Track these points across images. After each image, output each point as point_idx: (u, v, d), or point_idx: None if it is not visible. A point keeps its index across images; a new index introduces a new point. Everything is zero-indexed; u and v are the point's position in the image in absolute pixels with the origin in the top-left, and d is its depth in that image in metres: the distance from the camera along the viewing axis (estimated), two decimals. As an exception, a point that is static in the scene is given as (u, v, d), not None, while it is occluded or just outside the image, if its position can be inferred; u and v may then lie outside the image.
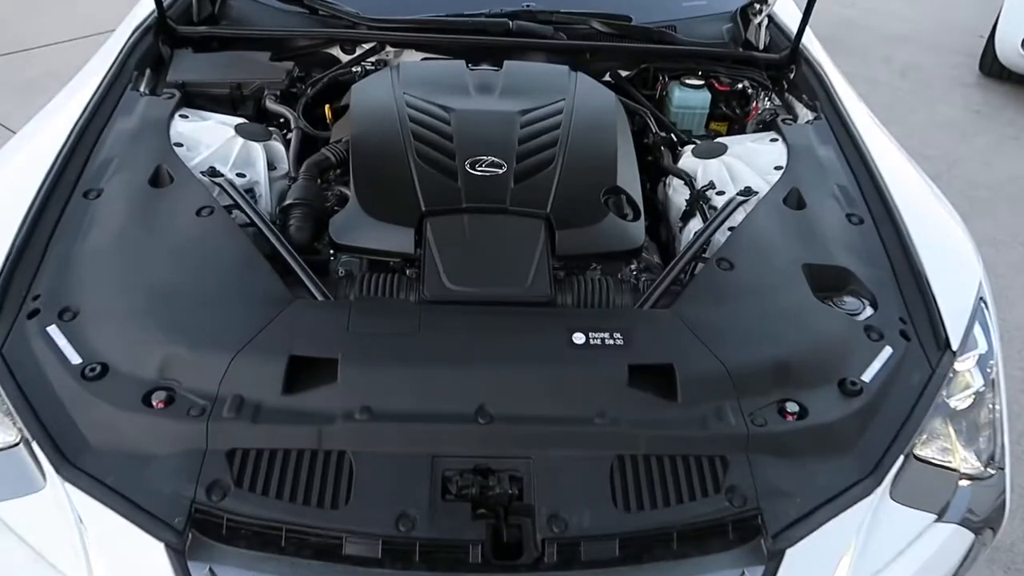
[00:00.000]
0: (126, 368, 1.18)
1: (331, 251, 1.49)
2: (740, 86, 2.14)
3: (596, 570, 1.07)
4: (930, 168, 1.92)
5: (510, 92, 1.76)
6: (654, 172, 1.92)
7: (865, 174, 1.69)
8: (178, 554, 1.03)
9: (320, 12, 2.08)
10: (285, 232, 1.48)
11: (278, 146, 1.75)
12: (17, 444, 1.14)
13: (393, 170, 1.51)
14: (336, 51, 2.15)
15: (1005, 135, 4.60)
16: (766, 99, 2.08)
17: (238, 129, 1.72)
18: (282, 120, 1.87)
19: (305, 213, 1.52)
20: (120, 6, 2.25)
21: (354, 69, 2.06)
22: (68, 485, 1.09)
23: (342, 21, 2.07)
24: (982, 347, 1.40)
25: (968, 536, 1.25)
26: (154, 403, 1.14)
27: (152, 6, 1.97)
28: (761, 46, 2.24)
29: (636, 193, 1.59)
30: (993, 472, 1.31)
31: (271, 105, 1.88)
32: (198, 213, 1.41)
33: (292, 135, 1.80)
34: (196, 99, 1.85)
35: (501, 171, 1.50)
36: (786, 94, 2.11)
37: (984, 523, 1.28)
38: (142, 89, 1.81)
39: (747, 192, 1.63)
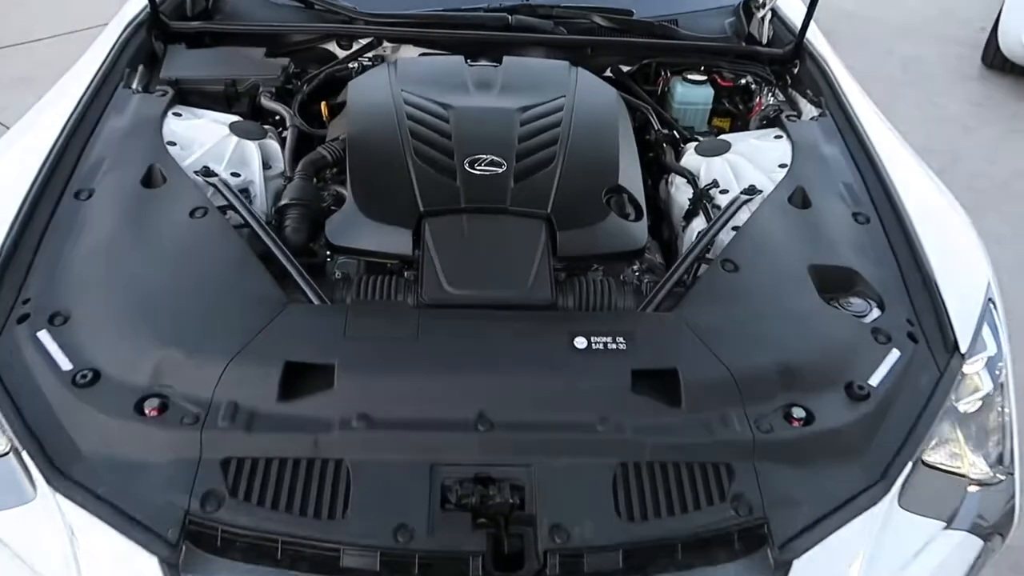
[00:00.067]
0: (118, 374, 1.16)
1: (327, 252, 1.47)
2: (743, 82, 2.10)
3: None
4: (932, 163, 1.89)
5: (509, 88, 1.73)
6: (656, 169, 1.90)
7: (871, 172, 1.66)
8: (171, 567, 1.02)
9: (316, 7, 2.04)
10: (280, 233, 1.45)
11: (273, 144, 1.71)
12: (7, 454, 1.11)
13: (390, 169, 1.48)
14: (332, 46, 2.12)
15: (1008, 129, 4.56)
16: (769, 95, 2.04)
17: (232, 127, 1.69)
18: (277, 118, 1.84)
19: (301, 214, 1.49)
20: (114, -1, 2.21)
21: (351, 65, 2.03)
22: (59, 496, 1.07)
23: (338, 16, 2.04)
24: (991, 349, 1.38)
25: (977, 543, 1.23)
26: (147, 411, 1.12)
27: (144, 1, 1.94)
28: (764, 40, 2.20)
29: (638, 192, 1.56)
30: (1002, 477, 1.29)
31: (266, 102, 1.84)
32: (191, 214, 1.39)
33: (288, 133, 1.76)
34: (190, 96, 1.82)
35: (501, 170, 1.48)
36: (790, 89, 2.08)
37: (993, 529, 1.26)
38: (134, 86, 1.77)
39: (751, 191, 1.60)
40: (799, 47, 2.05)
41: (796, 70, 2.08)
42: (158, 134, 1.59)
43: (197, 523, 1.04)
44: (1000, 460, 1.31)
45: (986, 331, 1.40)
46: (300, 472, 1.08)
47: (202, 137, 1.64)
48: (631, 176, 1.58)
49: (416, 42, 2.08)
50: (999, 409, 1.34)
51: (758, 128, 1.97)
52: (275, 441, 1.11)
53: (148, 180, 1.47)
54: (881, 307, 1.39)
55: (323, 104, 1.92)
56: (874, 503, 1.15)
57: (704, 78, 2.08)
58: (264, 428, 1.11)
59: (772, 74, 2.10)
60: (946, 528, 1.21)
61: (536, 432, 1.14)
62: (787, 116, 1.86)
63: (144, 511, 1.05)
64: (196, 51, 1.97)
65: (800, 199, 1.56)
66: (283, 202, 1.51)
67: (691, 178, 1.72)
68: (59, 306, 1.24)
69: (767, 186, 1.62)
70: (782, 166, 1.68)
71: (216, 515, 1.04)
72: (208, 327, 1.22)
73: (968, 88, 5.06)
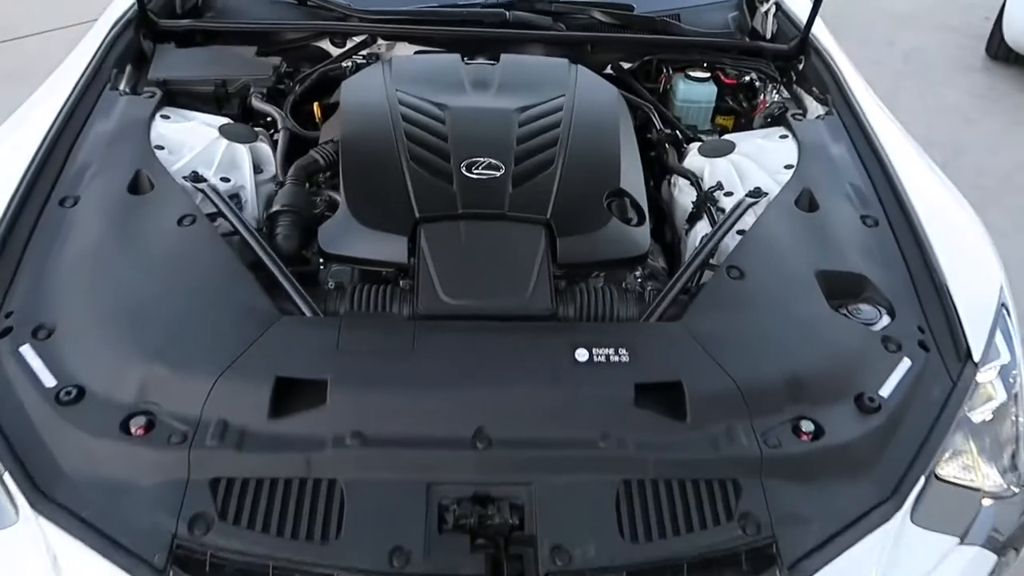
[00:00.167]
0: (103, 391, 1.12)
1: (320, 260, 1.42)
2: (747, 79, 2.06)
3: None
4: (935, 156, 1.85)
5: (507, 87, 1.69)
6: (658, 170, 1.85)
7: (879, 172, 1.62)
8: (158, 594, 0.98)
9: (309, 3, 1.99)
10: (272, 241, 1.41)
11: (264, 148, 1.67)
12: (-12, 475, 1.07)
13: (385, 174, 1.44)
14: (326, 44, 2.07)
15: (1012, 121, 4.51)
16: (774, 92, 2.00)
17: (222, 130, 1.64)
18: (269, 119, 1.79)
19: (293, 221, 1.45)
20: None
21: (344, 64, 1.98)
22: (42, 520, 1.03)
23: (332, 13, 1.99)
24: (1004, 357, 1.34)
25: (991, 558, 1.20)
26: (133, 429, 1.08)
27: (132, -2, 1.89)
28: (768, 35, 2.16)
29: (640, 195, 1.52)
30: (1016, 490, 1.25)
31: (257, 104, 1.80)
32: (179, 222, 1.34)
33: (279, 136, 1.72)
34: (179, 97, 1.78)
35: (499, 174, 1.43)
36: (795, 86, 2.03)
37: (1008, 543, 1.22)
38: (122, 88, 1.73)
39: (756, 193, 1.56)
40: (804, 42, 2.01)
41: (801, 66, 2.03)
42: (145, 138, 1.55)
43: (185, 547, 1.00)
44: (1015, 471, 1.27)
45: (999, 338, 1.36)
46: (292, 493, 1.05)
47: (191, 141, 1.60)
48: (633, 178, 1.54)
49: (411, 39, 2.04)
50: (1013, 419, 1.31)
51: (762, 126, 1.92)
52: (266, 461, 1.07)
53: (135, 187, 1.43)
54: (891, 314, 1.35)
55: (316, 105, 1.87)
56: (886, 520, 1.12)
57: (707, 75, 2.04)
58: (254, 447, 1.07)
59: (776, 70, 2.06)
60: (960, 544, 1.17)
61: (536, 449, 1.10)
62: (793, 115, 1.82)
63: (130, 535, 1.01)
64: (185, 50, 1.93)
65: (807, 202, 1.51)
66: (274, 209, 1.47)
67: (694, 180, 1.68)
68: (43, 319, 1.20)
69: (773, 188, 1.57)
70: (788, 167, 1.64)
71: (205, 539, 1.00)
72: (196, 341, 1.18)
73: (971, 79, 5.00)
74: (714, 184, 1.64)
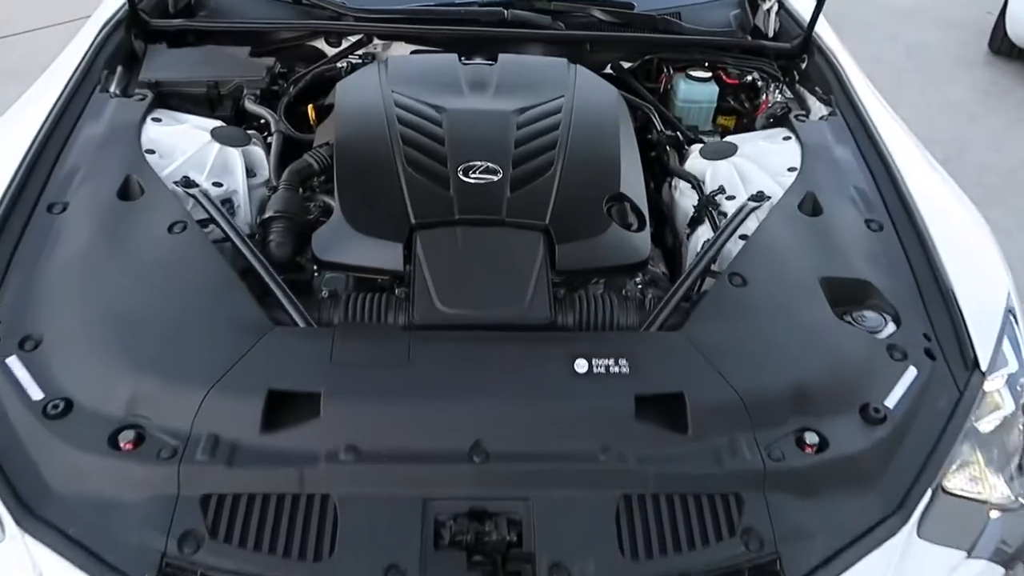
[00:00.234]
0: (92, 404, 1.10)
1: (314, 267, 1.40)
2: (749, 78, 2.02)
3: None
4: (938, 153, 1.82)
5: (505, 88, 1.66)
6: (659, 172, 1.82)
7: (884, 175, 1.59)
8: (147, 614, 0.96)
9: (304, 2, 1.96)
10: (264, 248, 1.38)
11: (258, 151, 1.64)
12: (-27, 492, 1.05)
13: (380, 178, 1.41)
14: (321, 44, 2.04)
15: (1015, 117, 4.48)
16: (776, 91, 1.97)
17: (214, 133, 1.61)
18: (262, 122, 1.76)
19: (286, 227, 1.41)
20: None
21: (339, 64, 1.95)
22: (28, 538, 1.01)
23: (327, 12, 1.96)
24: (1012, 365, 1.31)
25: (998, 572, 1.18)
26: (122, 444, 1.06)
27: (123, -2, 1.86)
28: (771, 33, 2.12)
29: (641, 199, 1.49)
30: (1024, 501, 1.23)
31: (250, 106, 1.77)
32: (170, 229, 1.32)
33: (273, 138, 1.69)
34: (170, 99, 1.74)
35: (496, 178, 1.40)
36: (797, 86, 2.00)
37: (1016, 556, 1.20)
38: (112, 89, 1.70)
39: (759, 197, 1.53)
40: (807, 41, 1.97)
41: (804, 65, 2.00)
42: (136, 142, 1.52)
43: (174, 566, 0.98)
44: (1022, 481, 1.25)
45: (1006, 345, 1.33)
46: (284, 509, 1.03)
47: (183, 144, 1.57)
48: (633, 182, 1.51)
49: (408, 39, 2.00)
50: (1020, 428, 1.28)
51: (764, 127, 1.89)
52: (258, 476, 1.05)
53: (125, 192, 1.40)
54: (896, 321, 1.32)
55: (310, 107, 1.84)
56: (892, 535, 1.09)
57: (708, 75, 2.00)
58: (246, 462, 1.05)
59: (779, 70, 2.02)
60: (967, 558, 1.15)
61: (534, 463, 1.08)
62: (796, 116, 1.79)
63: (118, 553, 0.99)
64: (177, 50, 1.89)
65: (810, 206, 1.49)
66: (267, 215, 1.44)
67: (696, 183, 1.65)
68: (30, 330, 1.18)
69: (775, 192, 1.55)
70: (791, 170, 1.61)
71: (195, 557, 0.98)
72: (187, 352, 1.15)
73: (974, 74, 4.97)
74: (716, 188, 1.61)
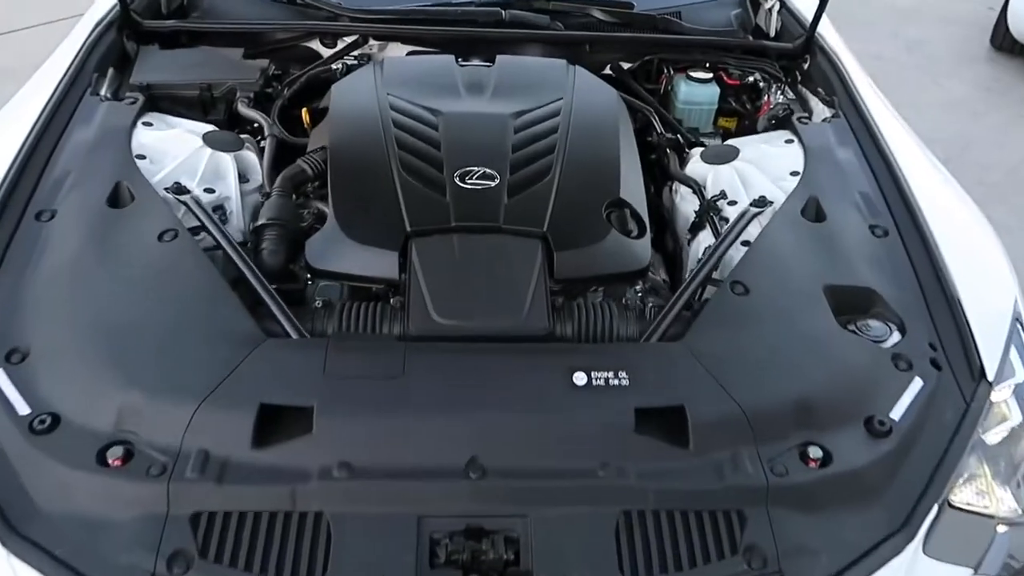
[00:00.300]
0: (79, 419, 1.07)
1: (308, 276, 1.37)
2: (751, 79, 1.99)
3: None
4: (940, 151, 1.80)
5: (503, 91, 1.63)
6: (659, 176, 1.79)
7: (888, 179, 1.56)
8: (135, 639, 0.93)
9: (298, 3, 1.93)
10: (257, 256, 1.36)
11: (251, 156, 1.61)
12: (-43, 510, 1.03)
13: (375, 184, 1.38)
14: (316, 45, 2.01)
15: (1018, 113, 4.45)
16: (778, 92, 1.94)
17: (206, 138, 1.58)
18: (256, 126, 1.73)
19: (279, 235, 1.39)
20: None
21: (334, 66, 1.92)
22: (14, 559, 0.98)
23: (322, 12, 1.93)
24: (1019, 375, 1.29)
25: (1006, 587, 1.15)
26: (110, 460, 1.03)
27: (115, -1, 1.83)
28: (772, 33, 2.09)
29: (641, 204, 1.46)
30: (1031, 514, 1.20)
31: (243, 110, 1.74)
32: (160, 238, 1.29)
33: (266, 143, 1.66)
34: (162, 102, 1.71)
35: (493, 184, 1.38)
36: (800, 86, 1.97)
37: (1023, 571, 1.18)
38: (103, 92, 1.66)
39: (761, 202, 1.50)
40: (810, 41, 1.94)
41: (807, 66, 1.97)
42: (126, 147, 1.49)
43: None
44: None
45: (1013, 354, 1.31)
46: (276, 528, 1.00)
47: (174, 149, 1.54)
48: (633, 187, 1.48)
49: (404, 40, 1.97)
50: (1028, 439, 1.26)
51: (766, 128, 1.86)
52: (249, 493, 1.02)
53: (115, 199, 1.37)
54: (902, 330, 1.30)
55: (304, 110, 1.81)
56: (897, 552, 1.07)
57: (709, 76, 1.98)
58: (237, 479, 1.02)
59: (781, 70, 1.99)
60: (974, 574, 1.12)
61: (532, 479, 1.06)
62: (798, 118, 1.76)
63: (105, 573, 0.97)
64: (170, 52, 1.86)
65: (813, 211, 1.46)
66: (260, 222, 1.41)
67: (697, 188, 1.62)
68: (16, 341, 1.15)
69: (778, 196, 1.52)
70: (793, 174, 1.58)
71: None
72: (176, 366, 1.13)
73: (976, 71, 4.93)
74: (717, 192, 1.58)
